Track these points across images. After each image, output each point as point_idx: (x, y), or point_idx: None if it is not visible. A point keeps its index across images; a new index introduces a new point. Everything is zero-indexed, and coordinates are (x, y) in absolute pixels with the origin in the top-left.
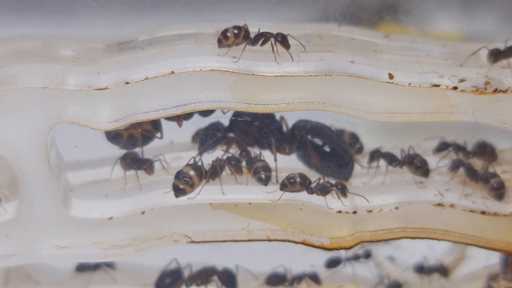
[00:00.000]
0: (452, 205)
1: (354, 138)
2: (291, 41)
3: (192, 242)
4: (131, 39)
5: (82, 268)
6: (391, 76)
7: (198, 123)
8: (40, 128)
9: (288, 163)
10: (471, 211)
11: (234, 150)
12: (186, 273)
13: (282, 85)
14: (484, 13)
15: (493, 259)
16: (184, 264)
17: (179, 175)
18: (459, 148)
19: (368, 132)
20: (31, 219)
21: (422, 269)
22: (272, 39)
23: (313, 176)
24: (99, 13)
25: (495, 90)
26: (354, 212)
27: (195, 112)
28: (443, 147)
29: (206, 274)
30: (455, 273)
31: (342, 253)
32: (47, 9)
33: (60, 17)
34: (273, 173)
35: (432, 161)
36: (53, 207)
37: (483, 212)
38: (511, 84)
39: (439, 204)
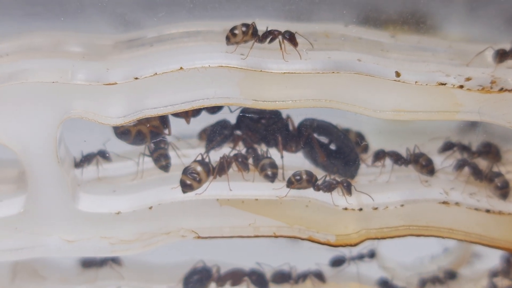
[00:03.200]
0: (457, 203)
1: (360, 137)
2: (298, 39)
3: (199, 237)
4: (140, 36)
5: (89, 264)
6: (398, 74)
7: (205, 121)
8: (49, 123)
9: (294, 161)
10: (476, 209)
11: (241, 148)
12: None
13: (290, 83)
14: (489, 16)
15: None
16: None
17: (187, 170)
18: (464, 148)
19: (374, 131)
20: (39, 213)
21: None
22: (280, 37)
23: (319, 174)
24: (108, 10)
25: (501, 89)
26: (360, 209)
27: (203, 109)
28: (448, 147)
29: (235, 276)
30: (458, 273)
31: (347, 252)
32: (56, 6)
33: (69, 13)
34: (280, 170)
35: (437, 161)
36: (61, 201)
37: (487, 211)
38: None
39: (444, 202)
